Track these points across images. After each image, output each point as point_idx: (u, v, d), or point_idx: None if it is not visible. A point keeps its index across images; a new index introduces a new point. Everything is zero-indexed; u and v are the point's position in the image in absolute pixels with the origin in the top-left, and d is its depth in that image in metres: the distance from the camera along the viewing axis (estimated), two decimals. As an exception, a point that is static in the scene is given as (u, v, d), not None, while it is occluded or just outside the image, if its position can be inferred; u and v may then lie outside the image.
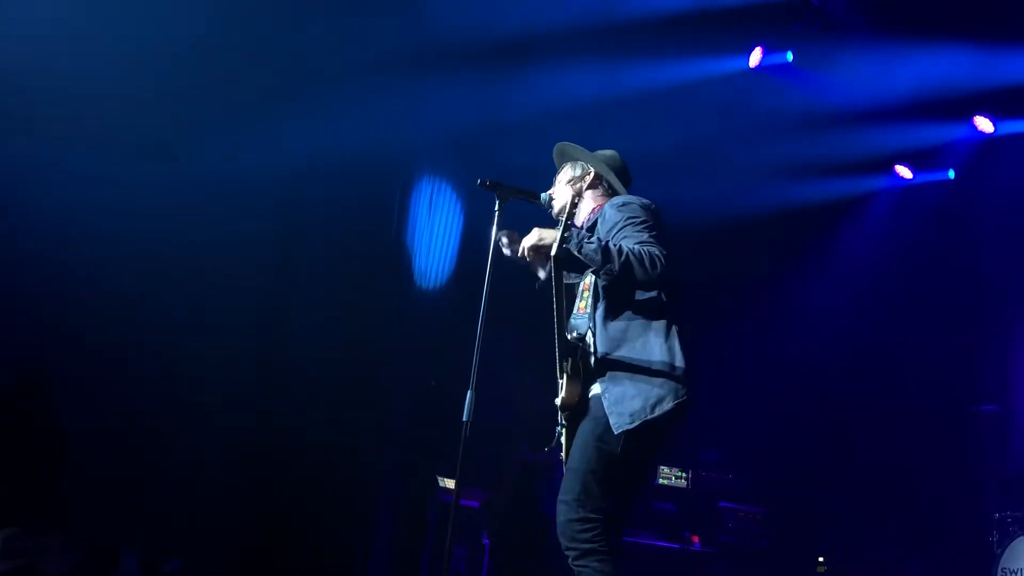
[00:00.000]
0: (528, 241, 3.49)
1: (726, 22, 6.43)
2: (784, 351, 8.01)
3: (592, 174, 3.76)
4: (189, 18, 6.07)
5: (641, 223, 3.36)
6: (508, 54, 6.51)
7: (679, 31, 6.44)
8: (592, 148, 3.87)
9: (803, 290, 8.13)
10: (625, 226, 3.37)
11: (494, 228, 3.62)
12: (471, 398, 3.43)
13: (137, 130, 6.22)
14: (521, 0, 6.25)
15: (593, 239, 3.27)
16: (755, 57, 7.05)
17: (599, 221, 3.53)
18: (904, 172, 8.09)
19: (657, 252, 3.23)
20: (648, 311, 3.38)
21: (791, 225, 8.09)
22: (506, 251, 3.65)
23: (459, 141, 7.04)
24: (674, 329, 3.36)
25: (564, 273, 3.45)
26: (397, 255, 7.41)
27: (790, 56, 7.02)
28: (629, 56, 6.77)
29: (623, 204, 3.48)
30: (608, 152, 3.86)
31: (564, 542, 3.23)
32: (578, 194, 3.70)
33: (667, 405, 3.26)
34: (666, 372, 3.29)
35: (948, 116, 7.39)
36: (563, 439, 3.43)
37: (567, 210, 3.34)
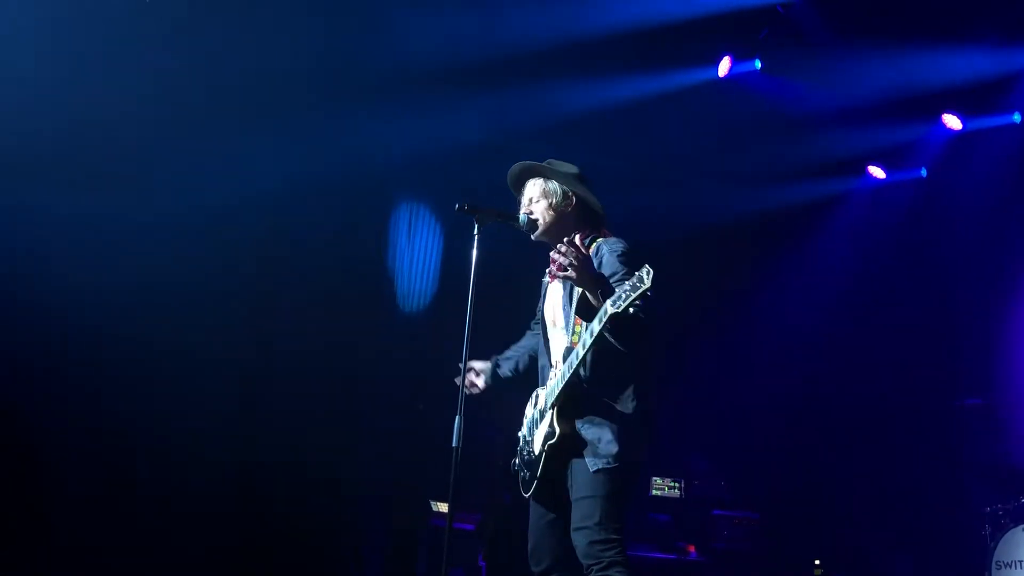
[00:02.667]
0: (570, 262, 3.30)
1: (694, 33, 6.47)
2: (767, 355, 8.03)
3: (574, 199, 3.74)
4: (157, 46, 6.06)
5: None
6: (483, 75, 6.53)
7: (649, 45, 6.48)
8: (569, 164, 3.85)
9: (784, 293, 8.16)
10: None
11: (474, 252, 3.61)
12: (459, 424, 3.41)
13: (112, 164, 6.18)
14: (494, 21, 6.27)
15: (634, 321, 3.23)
16: (724, 66, 7.10)
17: (594, 259, 3.52)
18: (877, 172, 8.16)
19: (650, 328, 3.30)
20: (634, 359, 3.47)
21: (769, 230, 8.14)
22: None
23: (436, 163, 7.04)
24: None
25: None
26: (379, 279, 7.40)
27: (758, 64, 7.08)
28: (601, 71, 6.81)
29: (621, 253, 3.51)
30: (569, 166, 3.83)
31: (587, 561, 3.34)
32: (559, 218, 3.72)
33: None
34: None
35: (917, 115, 7.47)
36: (538, 470, 3.55)
37: (547, 230, 3.46)
